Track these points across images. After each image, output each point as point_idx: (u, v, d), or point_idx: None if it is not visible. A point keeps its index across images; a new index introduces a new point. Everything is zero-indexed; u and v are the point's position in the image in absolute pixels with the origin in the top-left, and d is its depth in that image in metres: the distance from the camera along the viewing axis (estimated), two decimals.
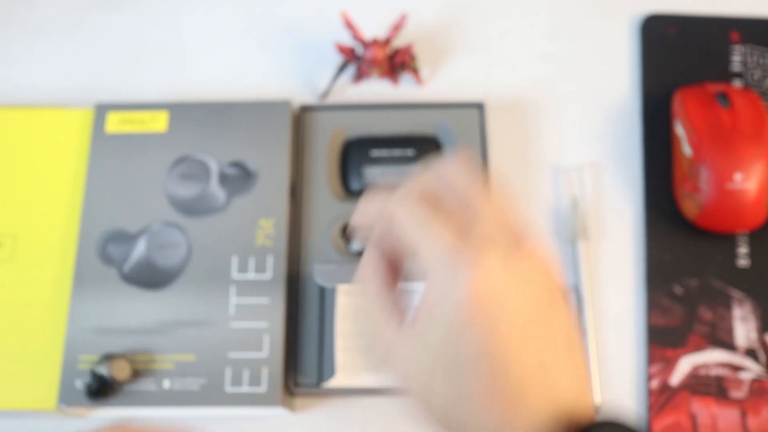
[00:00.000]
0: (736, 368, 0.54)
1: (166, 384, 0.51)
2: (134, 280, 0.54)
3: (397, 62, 0.61)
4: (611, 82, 0.63)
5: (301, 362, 0.53)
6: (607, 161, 0.60)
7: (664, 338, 0.55)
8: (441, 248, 0.30)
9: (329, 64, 0.63)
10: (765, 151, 0.54)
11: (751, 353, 0.54)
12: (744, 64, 0.62)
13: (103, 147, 0.57)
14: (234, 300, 0.53)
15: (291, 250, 0.55)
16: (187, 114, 0.58)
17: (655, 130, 0.60)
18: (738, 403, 0.53)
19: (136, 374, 0.51)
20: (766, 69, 0.62)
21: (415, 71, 0.61)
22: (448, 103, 0.59)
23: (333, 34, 0.64)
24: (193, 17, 0.66)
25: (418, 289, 0.32)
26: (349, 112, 0.60)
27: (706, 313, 0.55)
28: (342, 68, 0.61)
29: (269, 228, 0.55)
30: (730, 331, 0.55)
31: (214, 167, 0.57)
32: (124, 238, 0.55)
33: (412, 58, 0.61)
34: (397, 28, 0.60)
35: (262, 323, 0.52)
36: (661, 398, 0.53)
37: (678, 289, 0.56)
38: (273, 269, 0.54)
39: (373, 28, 0.63)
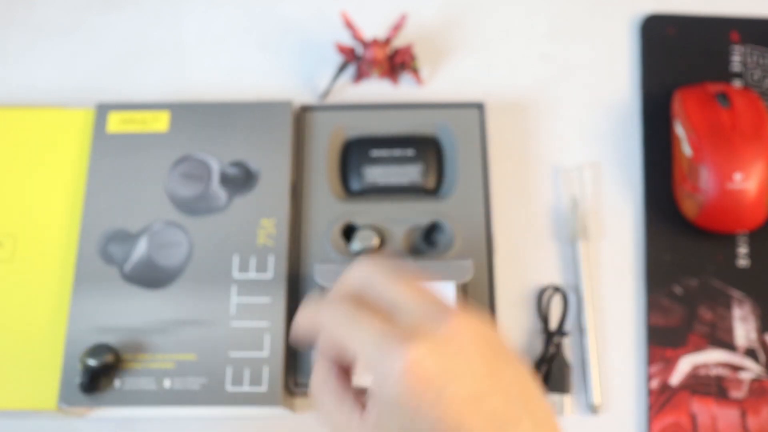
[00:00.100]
0: (736, 368, 0.54)
1: (167, 383, 0.51)
2: (135, 280, 0.54)
3: (397, 62, 0.61)
4: (611, 82, 0.63)
5: (301, 362, 0.53)
6: (607, 161, 0.60)
7: (664, 338, 0.55)
8: (372, 340, 0.32)
9: (329, 64, 0.63)
10: (765, 151, 0.54)
11: (751, 353, 0.54)
12: (744, 64, 0.62)
13: (104, 147, 0.58)
14: (235, 299, 0.53)
15: (291, 250, 0.55)
16: (188, 114, 0.58)
17: (655, 130, 0.60)
18: (738, 403, 0.53)
19: (120, 360, 0.51)
20: (766, 69, 0.62)
21: (415, 71, 0.62)
22: (448, 103, 0.59)
23: (333, 34, 0.64)
24: (193, 17, 0.66)
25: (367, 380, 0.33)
26: (349, 112, 0.60)
27: (706, 313, 0.55)
28: (342, 68, 0.61)
29: (270, 227, 0.55)
30: (730, 331, 0.55)
31: (215, 167, 0.57)
32: (125, 237, 0.55)
33: (412, 58, 0.61)
34: (397, 28, 0.60)
35: (263, 323, 0.52)
36: (660, 398, 0.53)
37: (678, 289, 0.56)
38: (274, 269, 0.54)
39: (373, 28, 0.63)
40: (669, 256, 0.57)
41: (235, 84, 0.63)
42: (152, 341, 0.52)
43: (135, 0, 0.66)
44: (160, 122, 0.58)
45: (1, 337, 0.53)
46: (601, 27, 0.65)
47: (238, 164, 0.57)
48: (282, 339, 0.52)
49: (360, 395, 0.35)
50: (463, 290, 0.54)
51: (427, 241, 0.56)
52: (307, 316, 0.35)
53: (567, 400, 0.53)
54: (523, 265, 0.57)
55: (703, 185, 0.54)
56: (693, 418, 0.53)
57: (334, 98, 0.62)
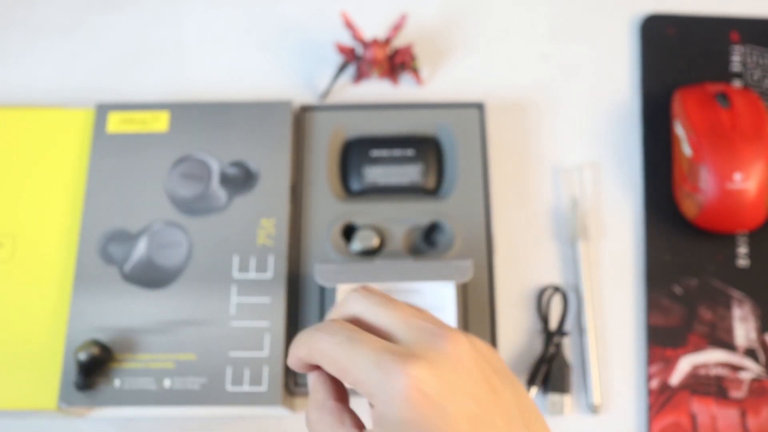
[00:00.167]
0: (736, 368, 0.54)
1: (167, 383, 0.51)
2: (135, 280, 0.54)
3: (397, 62, 0.61)
4: (611, 82, 0.63)
5: None
6: (606, 161, 0.60)
7: (664, 338, 0.55)
8: (372, 360, 0.32)
9: (329, 64, 0.63)
10: (765, 151, 0.54)
11: (750, 353, 0.54)
12: (744, 64, 0.62)
13: (104, 147, 0.58)
14: (235, 299, 0.53)
15: (291, 250, 0.55)
16: (188, 114, 0.58)
17: (655, 130, 0.60)
18: (738, 403, 0.53)
19: (110, 353, 0.51)
20: (765, 69, 0.62)
21: (415, 71, 0.62)
22: (448, 103, 0.59)
23: (333, 34, 0.64)
24: (193, 17, 0.66)
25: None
26: (349, 112, 0.60)
27: (705, 313, 0.55)
28: (342, 68, 0.61)
29: (270, 227, 0.55)
30: (729, 331, 0.55)
31: (215, 167, 0.57)
32: (125, 237, 0.55)
33: (412, 58, 0.61)
34: (397, 28, 0.60)
35: (262, 322, 0.52)
36: (660, 398, 0.53)
37: (678, 289, 0.56)
38: (274, 269, 0.54)
39: (373, 28, 0.63)
40: (669, 256, 0.57)
41: (235, 84, 0.63)
42: (152, 341, 0.52)
43: (135, 0, 0.66)
44: (160, 122, 0.58)
45: (1, 337, 0.53)
46: (601, 27, 0.65)
47: (238, 164, 0.57)
48: (282, 339, 0.52)
49: (358, 418, 0.35)
50: (463, 290, 0.54)
51: (427, 241, 0.56)
52: (303, 342, 0.35)
53: (567, 400, 0.53)
54: (523, 265, 0.57)
55: (703, 185, 0.54)
56: (693, 418, 0.53)
57: (334, 98, 0.62)
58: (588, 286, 0.56)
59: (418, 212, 0.56)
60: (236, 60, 0.64)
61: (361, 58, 0.61)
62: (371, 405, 0.32)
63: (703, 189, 0.55)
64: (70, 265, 0.55)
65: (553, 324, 0.55)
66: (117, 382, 0.51)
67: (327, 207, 0.56)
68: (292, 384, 0.52)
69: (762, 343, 0.55)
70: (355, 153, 0.58)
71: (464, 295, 0.54)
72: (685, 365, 0.54)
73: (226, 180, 0.56)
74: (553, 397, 0.53)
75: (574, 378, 0.54)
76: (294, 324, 0.53)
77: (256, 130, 0.58)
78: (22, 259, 0.55)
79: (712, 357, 0.54)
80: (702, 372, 0.54)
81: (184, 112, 0.58)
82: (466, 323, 0.53)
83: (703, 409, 0.53)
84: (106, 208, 0.56)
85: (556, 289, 0.55)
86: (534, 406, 0.34)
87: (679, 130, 0.57)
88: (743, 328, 0.55)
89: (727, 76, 0.62)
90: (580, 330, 0.55)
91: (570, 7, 0.65)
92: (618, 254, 0.57)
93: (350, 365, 0.32)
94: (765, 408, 0.53)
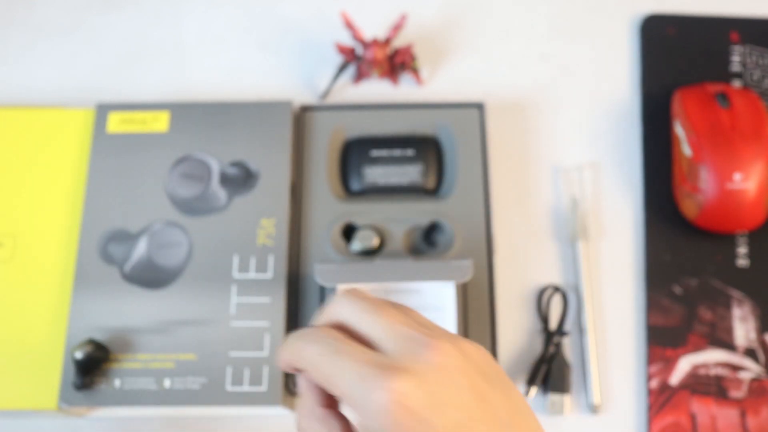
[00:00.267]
0: (736, 368, 0.54)
1: (167, 383, 0.51)
2: (135, 280, 0.54)
3: (397, 62, 0.61)
4: (611, 82, 0.63)
5: None
6: (606, 161, 0.60)
7: (663, 338, 0.55)
8: (354, 374, 0.31)
9: (329, 64, 0.63)
10: (764, 151, 0.54)
11: (750, 353, 0.54)
12: (743, 64, 0.62)
13: (105, 147, 0.58)
14: (235, 299, 0.53)
15: (291, 250, 0.55)
16: (188, 114, 0.58)
17: (655, 130, 0.61)
18: (737, 402, 0.53)
19: (107, 352, 0.51)
20: (765, 69, 0.62)
21: (415, 71, 0.62)
22: (448, 103, 0.60)
23: (333, 34, 0.64)
24: (193, 17, 0.66)
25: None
26: (349, 112, 0.60)
27: (705, 313, 0.55)
28: (342, 68, 0.61)
29: (270, 227, 0.55)
30: (729, 330, 0.55)
31: (215, 167, 0.57)
32: (125, 237, 0.55)
33: (412, 58, 0.61)
34: (397, 28, 0.60)
35: (262, 322, 0.52)
36: (660, 398, 0.53)
37: (678, 289, 0.56)
38: (274, 269, 0.54)
39: (373, 28, 0.63)
40: (669, 256, 0.57)
41: (235, 84, 0.63)
42: (152, 341, 0.52)
43: (135, 0, 0.66)
44: (160, 122, 0.58)
45: (1, 337, 0.53)
46: (600, 27, 0.65)
47: (238, 164, 0.57)
48: (282, 339, 0.52)
49: (349, 423, 0.34)
50: (463, 290, 0.54)
51: (427, 241, 0.56)
52: (288, 348, 0.34)
53: (567, 400, 0.53)
54: (523, 265, 0.57)
55: (702, 185, 0.55)
56: (693, 418, 0.53)
57: (334, 98, 0.62)
58: (588, 286, 0.56)
59: (418, 212, 0.56)
60: (236, 60, 0.64)
61: (361, 58, 0.61)
62: (357, 420, 0.32)
63: (702, 189, 0.55)
64: (70, 265, 0.55)
65: (553, 324, 0.55)
66: (117, 382, 0.51)
67: (327, 207, 0.56)
68: (292, 384, 0.52)
69: (762, 343, 0.55)
70: (355, 153, 0.58)
71: (464, 295, 0.54)
72: (684, 365, 0.54)
73: (226, 180, 0.56)
74: (553, 397, 0.53)
75: (574, 378, 0.54)
76: (294, 324, 0.54)
77: (256, 130, 0.58)
78: (22, 259, 0.55)
79: (711, 357, 0.54)
80: (702, 372, 0.54)
81: (184, 112, 0.58)
82: (465, 323, 0.53)
83: (702, 409, 0.53)
84: (106, 208, 0.56)
85: (556, 289, 0.55)
86: (527, 408, 0.33)
87: (679, 130, 0.58)
88: (743, 328, 0.55)
89: (726, 76, 0.62)
90: (580, 330, 0.55)
91: (570, 7, 0.65)
92: (618, 254, 0.57)
93: (334, 377, 0.32)
94: (765, 408, 0.53)
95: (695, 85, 0.59)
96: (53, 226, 0.56)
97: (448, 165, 0.58)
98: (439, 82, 0.63)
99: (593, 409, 0.53)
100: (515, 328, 0.55)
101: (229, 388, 0.51)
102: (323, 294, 0.54)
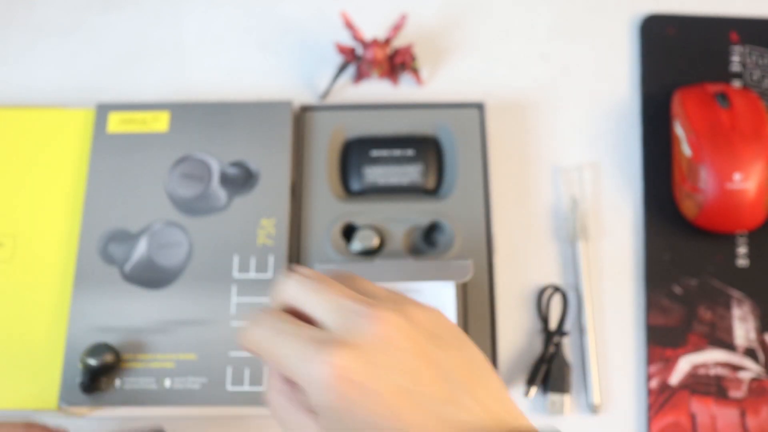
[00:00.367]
0: (736, 368, 0.54)
1: (167, 383, 0.51)
2: (135, 280, 0.54)
3: (397, 62, 0.61)
4: (611, 82, 0.63)
5: None
6: (606, 161, 0.60)
7: (663, 338, 0.55)
8: (295, 351, 0.32)
9: (329, 64, 0.63)
10: (764, 151, 0.54)
11: (750, 353, 0.54)
12: (743, 64, 0.62)
13: (105, 147, 0.58)
14: (235, 299, 0.53)
15: (291, 250, 0.55)
16: (188, 114, 0.58)
17: (655, 130, 0.61)
18: (737, 402, 0.53)
19: (120, 360, 0.51)
20: (765, 69, 0.62)
21: (415, 71, 0.62)
22: (448, 103, 0.60)
23: (333, 34, 0.64)
24: (193, 17, 0.66)
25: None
26: (349, 112, 0.60)
27: (705, 313, 0.55)
28: (342, 68, 0.61)
29: (270, 227, 0.55)
30: (729, 330, 0.55)
31: (215, 167, 0.57)
32: (125, 237, 0.55)
33: (412, 58, 0.61)
34: (397, 28, 0.60)
35: None
36: (660, 398, 0.53)
37: (677, 289, 0.56)
38: (274, 269, 0.54)
39: (373, 28, 0.63)
40: (669, 255, 0.57)
41: (235, 84, 0.63)
42: (152, 341, 0.52)
43: (135, 0, 0.66)
44: (160, 122, 0.58)
45: (2, 337, 0.53)
46: (600, 27, 0.65)
47: (238, 164, 0.57)
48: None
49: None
50: (463, 290, 0.54)
51: (427, 241, 0.56)
52: (242, 335, 0.35)
53: (567, 400, 0.53)
54: (523, 265, 0.57)
55: (702, 185, 0.55)
56: (692, 418, 0.53)
57: (334, 98, 0.62)
58: (588, 286, 0.56)
59: (418, 212, 0.56)
60: (236, 60, 0.64)
61: (361, 58, 0.61)
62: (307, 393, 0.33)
63: (702, 189, 0.55)
64: (70, 265, 0.55)
65: (553, 324, 0.55)
66: (118, 382, 0.51)
67: (327, 207, 0.57)
68: None
69: (761, 342, 0.55)
70: (355, 153, 0.58)
71: (464, 295, 0.54)
72: (684, 365, 0.54)
73: (226, 180, 0.56)
74: (553, 397, 0.53)
75: (574, 378, 0.54)
76: None
77: (256, 130, 0.58)
78: (22, 259, 0.55)
79: (711, 357, 0.54)
80: (702, 372, 0.54)
81: (184, 112, 0.58)
82: (466, 323, 0.53)
83: (702, 408, 0.53)
84: (107, 208, 0.56)
85: (556, 289, 0.55)
86: (485, 366, 0.34)
87: (679, 130, 0.58)
88: (743, 328, 0.55)
89: (726, 76, 0.62)
90: (580, 330, 0.55)
91: (570, 7, 0.65)
92: (618, 254, 0.57)
93: (279, 357, 0.33)
94: (764, 408, 0.53)
95: (695, 85, 0.59)
96: (53, 226, 0.56)
97: (448, 165, 0.58)
98: (439, 82, 0.63)
99: (593, 409, 0.53)
100: (515, 328, 0.56)
101: (229, 388, 0.51)
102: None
